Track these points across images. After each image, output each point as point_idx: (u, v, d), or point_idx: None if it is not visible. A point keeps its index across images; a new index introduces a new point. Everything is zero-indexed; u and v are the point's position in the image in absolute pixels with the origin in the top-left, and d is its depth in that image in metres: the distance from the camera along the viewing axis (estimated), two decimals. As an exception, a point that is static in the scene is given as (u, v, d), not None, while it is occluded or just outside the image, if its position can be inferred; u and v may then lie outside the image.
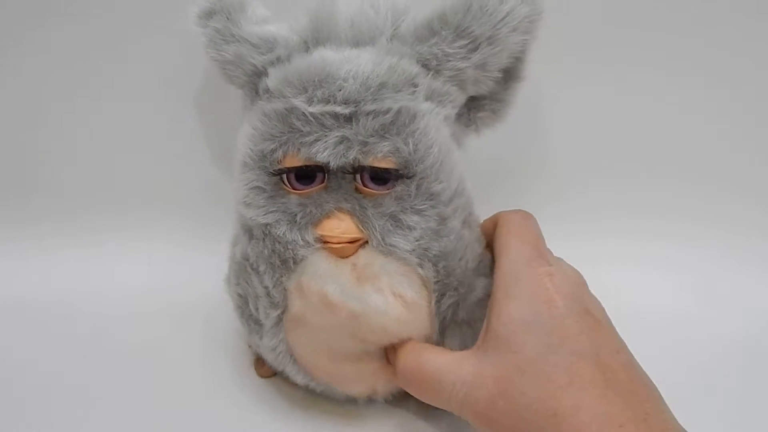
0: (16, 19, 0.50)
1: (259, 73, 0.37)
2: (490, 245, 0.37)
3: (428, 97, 0.35)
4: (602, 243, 0.51)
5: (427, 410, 0.39)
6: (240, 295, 0.39)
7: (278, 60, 0.37)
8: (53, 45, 0.51)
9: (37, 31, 0.50)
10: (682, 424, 0.29)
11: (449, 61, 0.35)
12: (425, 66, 0.35)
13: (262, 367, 0.43)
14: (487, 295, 0.36)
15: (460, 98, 0.37)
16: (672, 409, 0.30)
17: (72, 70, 0.51)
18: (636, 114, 0.50)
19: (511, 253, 0.34)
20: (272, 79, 0.36)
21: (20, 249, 0.55)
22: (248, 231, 0.37)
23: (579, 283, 0.34)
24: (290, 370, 0.39)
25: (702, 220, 0.51)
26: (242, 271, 0.38)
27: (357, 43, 0.36)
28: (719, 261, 0.50)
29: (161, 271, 0.54)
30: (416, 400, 0.36)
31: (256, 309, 0.38)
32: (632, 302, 0.47)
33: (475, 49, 0.35)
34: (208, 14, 0.39)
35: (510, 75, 0.38)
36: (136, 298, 0.51)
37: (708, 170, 0.51)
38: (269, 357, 0.39)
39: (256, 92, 0.38)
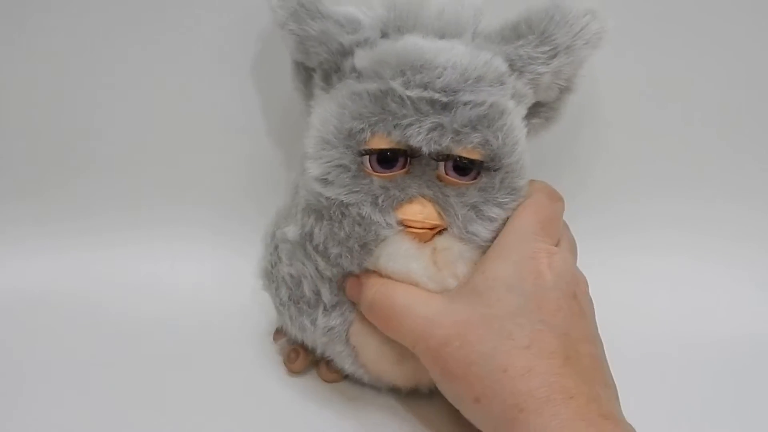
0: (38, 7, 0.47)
1: (345, 53, 0.37)
2: None
3: (513, 96, 0.36)
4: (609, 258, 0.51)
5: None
6: (292, 276, 0.38)
7: (366, 42, 0.36)
8: (73, 40, 0.48)
9: (58, 20, 0.47)
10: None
11: (532, 64, 0.37)
12: (511, 66, 0.37)
13: (294, 362, 0.41)
14: None
15: (531, 102, 0.39)
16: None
17: (93, 67, 0.48)
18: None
19: (519, 222, 0.35)
20: (363, 59, 0.35)
21: (42, 246, 0.51)
22: (316, 211, 0.36)
23: (577, 276, 0.35)
24: (339, 354, 0.38)
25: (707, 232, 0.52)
26: (299, 250, 0.37)
27: (443, 34, 0.37)
28: (719, 272, 0.51)
29: (185, 270, 0.51)
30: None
31: (315, 291, 0.37)
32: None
33: (554, 56, 0.37)
34: None
35: (566, 84, 0.41)
36: (161, 296, 0.49)
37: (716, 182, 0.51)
38: (320, 340, 0.38)
39: (336, 71, 0.37)
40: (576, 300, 0.33)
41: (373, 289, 0.35)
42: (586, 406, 0.29)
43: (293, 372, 0.42)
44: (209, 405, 0.39)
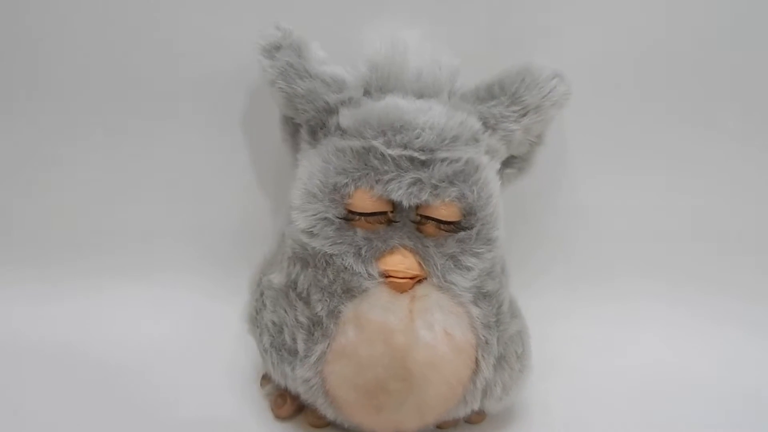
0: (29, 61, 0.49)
1: (330, 110, 0.39)
2: None
3: (487, 152, 0.39)
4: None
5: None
6: (274, 323, 0.39)
7: (350, 101, 0.39)
8: (65, 91, 0.49)
9: (45, 71, 0.49)
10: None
11: (504, 122, 0.40)
12: (485, 124, 0.39)
13: (281, 407, 0.42)
14: (518, 332, 0.40)
15: (504, 155, 0.42)
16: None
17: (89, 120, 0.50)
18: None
19: None
20: (347, 118, 0.38)
21: (35, 293, 0.52)
22: (302, 260, 0.38)
23: None
24: (321, 403, 0.39)
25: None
26: (282, 298, 0.39)
27: (421, 95, 0.40)
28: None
29: (172, 317, 0.52)
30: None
31: (293, 339, 0.38)
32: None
33: (524, 115, 0.40)
34: (275, 47, 0.40)
35: (537, 140, 0.43)
36: (149, 344, 0.49)
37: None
38: (301, 388, 0.39)
39: (322, 127, 0.39)
40: None
41: None
42: None
43: (280, 417, 0.42)
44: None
